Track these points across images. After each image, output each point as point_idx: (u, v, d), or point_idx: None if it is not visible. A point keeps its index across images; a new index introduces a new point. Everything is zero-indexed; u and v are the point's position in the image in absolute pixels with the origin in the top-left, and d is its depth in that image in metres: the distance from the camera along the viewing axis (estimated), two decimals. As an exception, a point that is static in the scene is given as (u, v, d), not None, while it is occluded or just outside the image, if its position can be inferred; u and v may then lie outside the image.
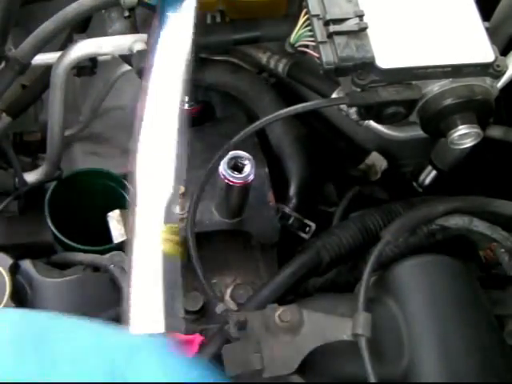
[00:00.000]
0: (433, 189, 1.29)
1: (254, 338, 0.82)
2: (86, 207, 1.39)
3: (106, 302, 1.00)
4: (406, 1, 0.96)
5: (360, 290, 0.84)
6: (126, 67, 1.32)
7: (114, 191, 1.33)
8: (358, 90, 0.92)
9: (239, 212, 1.10)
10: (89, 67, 1.24)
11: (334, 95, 1.12)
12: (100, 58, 1.23)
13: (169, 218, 1.08)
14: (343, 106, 1.01)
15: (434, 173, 1.28)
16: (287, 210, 1.17)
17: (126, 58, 1.19)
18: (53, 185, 1.30)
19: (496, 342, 0.88)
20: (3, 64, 1.12)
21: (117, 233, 1.07)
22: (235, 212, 1.10)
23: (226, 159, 0.99)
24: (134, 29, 1.24)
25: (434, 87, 0.94)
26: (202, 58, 1.28)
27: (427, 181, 1.30)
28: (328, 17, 0.91)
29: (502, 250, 0.93)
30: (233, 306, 1.10)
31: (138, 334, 0.75)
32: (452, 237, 0.97)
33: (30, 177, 1.30)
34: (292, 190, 1.19)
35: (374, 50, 0.91)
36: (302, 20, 0.95)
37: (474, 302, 0.90)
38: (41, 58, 1.18)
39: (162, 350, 0.68)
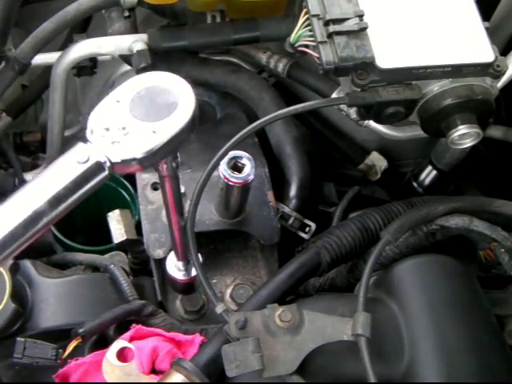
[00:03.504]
0: (433, 189, 1.29)
1: (253, 338, 0.82)
2: (86, 207, 1.39)
3: (106, 301, 1.00)
4: (406, 1, 0.96)
5: (360, 290, 0.84)
6: (126, 67, 1.33)
7: (114, 191, 1.33)
8: (358, 89, 0.92)
9: (239, 212, 1.10)
10: (89, 67, 1.24)
11: (333, 95, 1.12)
12: (100, 58, 1.23)
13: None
14: (343, 106, 1.01)
15: (434, 173, 1.28)
16: (287, 210, 1.17)
17: (126, 58, 1.20)
18: (53, 185, 1.30)
19: (496, 341, 0.88)
20: (3, 64, 1.12)
21: (117, 233, 1.07)
22: (235, 212, 1.10)
23: (225, 159, 0.99)
24: (133, 29, 1.24)
25: (434, 87, 0.94)
26: (202, 57, 1.29)
27: (427, 181, 1.30)
28: (328, 17, 0.91)
29: (502, 249, 0.92)
30: (233, 306, 1.10)
31: None
32: (452, 237, 0.97)
33: (30, 177, 1.30)
34: (292, 190, 1.19)
35: (374, 50, 0.90)
36: (301, 20, 0.94)
37: (474, 302, 0.90)
38: (41, 58, 1.18)
39: None
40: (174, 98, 0.70)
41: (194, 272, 0.98)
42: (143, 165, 0.69)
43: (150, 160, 0.69)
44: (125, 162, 0.68)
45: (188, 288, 1.03)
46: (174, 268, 0.99)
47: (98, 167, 0.68)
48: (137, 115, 0.70)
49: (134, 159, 0.68)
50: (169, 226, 0.89)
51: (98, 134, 0.69)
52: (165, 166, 0.75)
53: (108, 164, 0.68)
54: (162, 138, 0.68)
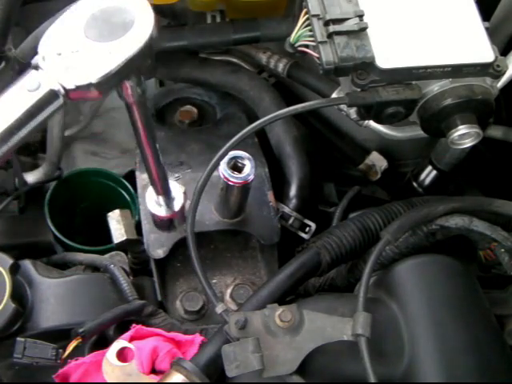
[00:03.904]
0: (433, 189, 1.29)
1: (253, 338, 0.82)
2: (86, 207, 1.39)
3: (106, 301, 1.00)
4: (406, 1, 0.96)
5: (360, 290, 0.84)
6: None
7: (113, 191, 1.33)
8: (358, 89, 0.92)
9: (239, 212, 1.10)
10: (89, 67, 1.24)
11: (333, 95, 1.12)
12: (100, 58, 1.23)
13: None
14: (343, 106, 1.01)
15: (434, 173, 1.28)
16: (287, 210, 1.17)
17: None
18: (53, 185, 1.30)
19: (496, 341, 0.88)
20: (3, 64, 1.12)
21: (117, 233, 1.07)
22: (235, 212, 1.10)
23: (225, 159, 0.99)
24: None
25: (434, 87, 0.94)
26: (202, 58, 1.29)
27: (427, 181, 1.30)
28: (328, 17, 0.91)
29: (502, 249, 0.93)
30: (233, 306, 1.10)
31: None
32: (452, 237, 0.97)
33: (30, 177, 1.30)
34: (292, 190, 1.19)
35: (374, 50, 0.90)
36: (301, 20, 0.94)
37: (474, 302, 0.90)
38: (41, 58, 1.18)
39: None
40: (130, 17, 0.65)
41: (176, 207, 0.95)
42: (101, 89, 0.65)
43: (108, 84, 0.64)
44: (80, 89, 0.64)
45: (170, 225, 1.00)
46: (154, 203, 0.95)
47: (51, 95, 0.64)
48: (91, 36, 0.65)
49: (90, 84, 0.64)
50: (143, 158, 0.84)
51: (49, 59, 0.64)
52: (130, 92, 0.70)
53: (62, 91, 0.64)
54: (119, 59, 0.64)
